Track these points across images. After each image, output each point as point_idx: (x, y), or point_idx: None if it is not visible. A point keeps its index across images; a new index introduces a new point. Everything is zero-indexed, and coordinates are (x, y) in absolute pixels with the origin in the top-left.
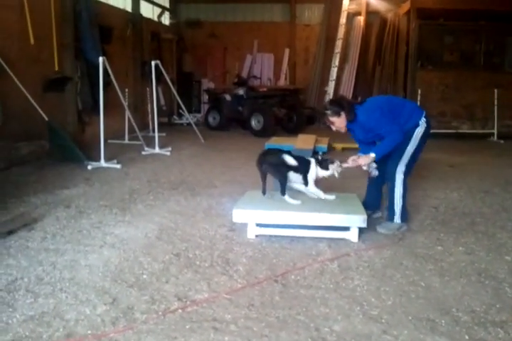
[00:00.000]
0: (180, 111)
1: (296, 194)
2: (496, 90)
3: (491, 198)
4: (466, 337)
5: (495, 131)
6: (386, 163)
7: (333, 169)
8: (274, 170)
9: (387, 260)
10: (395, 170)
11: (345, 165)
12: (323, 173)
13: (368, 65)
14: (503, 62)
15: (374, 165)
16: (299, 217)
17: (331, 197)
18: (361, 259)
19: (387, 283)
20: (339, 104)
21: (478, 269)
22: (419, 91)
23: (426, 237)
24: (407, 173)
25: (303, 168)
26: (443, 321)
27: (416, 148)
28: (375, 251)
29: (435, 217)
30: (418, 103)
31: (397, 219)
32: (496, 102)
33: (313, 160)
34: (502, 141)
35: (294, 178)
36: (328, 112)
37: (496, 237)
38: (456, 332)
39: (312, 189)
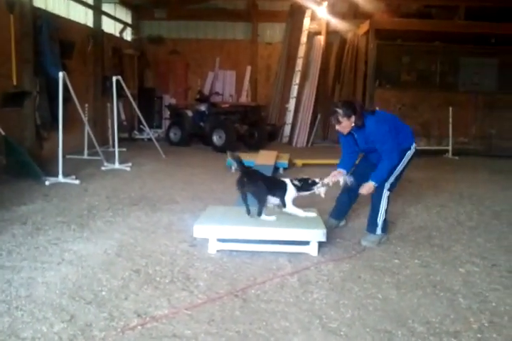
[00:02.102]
0: (141, 126)
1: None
2: (450, 108)
3: (446, 212)
4: None
5: (450, 147)
6: (368, 178)
7: (317, 188)
8: (255, 191)
9: (346, 273)
10: (383, 186)
11: (326, 181)
12: (302, 194)
13: (327, 83)
14: (457, 81)
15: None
16: (260, 232)
17: (312, 214)
18: (321, 273)
19: (346, 296)
20: (353, 107)
21: (434, 281)
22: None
23: (383, 251)
24: (392, 189)
25: (280, 192)
26: (399, 332)
27: (403, 168)
28: (334, 264)
29: (392, 231)
30: None
31: (379, 230)
32: (450, 120)
33: (289, 182)
34: (457, 157)
35: (273, 200)
36: (340, 112)
37: (450, 250)
38: None
39: (290, 209)
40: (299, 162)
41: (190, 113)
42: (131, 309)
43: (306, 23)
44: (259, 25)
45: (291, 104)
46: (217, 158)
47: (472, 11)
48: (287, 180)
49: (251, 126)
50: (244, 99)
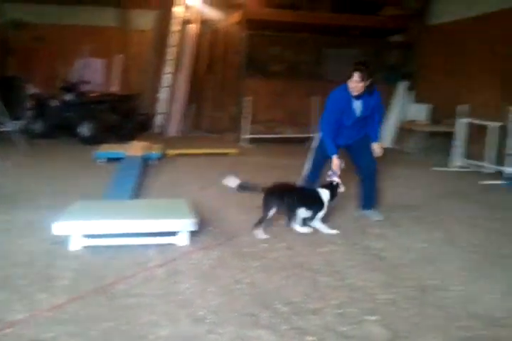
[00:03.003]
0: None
1: None
2: (315, 98)
3: None
4: (285, 327)
5: (314, 135)
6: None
7: (340, 188)
8: (287, 207)
9: (215, 261)
10: (376, 164)
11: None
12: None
13: (200, 73)
14: (322, 71)
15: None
16: (126, 224)
17: (334, 231)
18: (189, 262)
19: (214, 284)
20: (370, 74)
21: (297, 262)
22: (249, 99)
23: (252, 236)
24: None
25: (316, 207)
26: (265, 314)
27: None
28: (204, 252)
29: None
30: (248, 111)
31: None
32: (315, 109)
33: (325, 198)
34: None
35: (303, 214)
36: (363, 70)
37: (314, 232)
38: (277, 324)
39: (318, 225)
40: (171, 152)
41: (55, 103)
42: None
43: (179, 11)
44: (131, 11)
45: (163, 94)
46: (85, 150)
47: (338, 3)
48: (323, 196)
49: (122, 116)
50: (114, 88)
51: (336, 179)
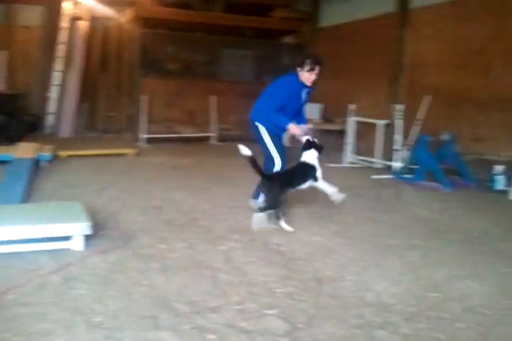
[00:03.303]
0: None
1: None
2: (213, 97)
3: (211, 195)
4: (186, 327)
5: (214, 134)
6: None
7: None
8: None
9: (112, 264)
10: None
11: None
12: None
13: (92, 71)
14: (219, 71)
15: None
16: (17, 230)
17: (341, 195)
18: (86, 267)
19: (112, 288)
20: None
21: (198, 261)
22: (144, 98)
23: (151, 237)
24: None
25: (313, 174)
26: (165, 316)
27: None
28: (100, 256)
29: (159, 217)
30: (145, 110)
31: None
32: (213, 108)
33: (315, 161)
34: (221, 143)
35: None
36: (322, 64)
37: (214, 230)
38: (177, 324)
39: (322, 184)
40: (64, 153)
41: None
42: None
43: (67, 6)
44: (16, 6)
45: (54, 92)
46: None
47: (232, 4)
48: (310, 158)
49: (7, 117)
50: None
51: (306, 137)
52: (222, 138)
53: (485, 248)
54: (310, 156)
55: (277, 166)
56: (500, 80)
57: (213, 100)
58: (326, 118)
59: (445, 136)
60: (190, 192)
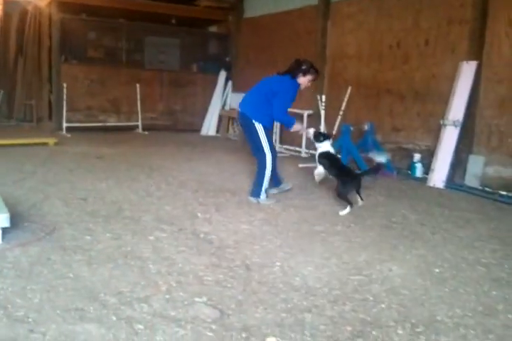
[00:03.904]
0: None
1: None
2: (138, 85)
3: (137, 185)
4: (114, 318)
5: (139, 123)
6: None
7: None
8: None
9: (35, 257)
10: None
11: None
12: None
13: (9, 56)
14: (144, 59)
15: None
16: None
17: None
18: (5, 261)
19: (35, 281)
20: None
21: (125, 252)
22: (65, 85)
23: (75, 229)
24: None
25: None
26: (91, 308)
27: None
28: (21, 249)
29: (84, 209)
30: (65, 98)
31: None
32: (138, 97)
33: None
34: (146, 132)
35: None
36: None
37: (141, 220)
38: (104, 315)
39: None
40: None
41: None
42: None
43: None
44: None
45: None
46: None
47: None
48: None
49: None
50: None
51: (311, 130)
52: (148, 128)
53: (404, 232)
54: (328, 147)
55: (268, 159)
56: (416, 73)
57: (138, 89)
58: None
59: (366, 126)
60: (115, 183)
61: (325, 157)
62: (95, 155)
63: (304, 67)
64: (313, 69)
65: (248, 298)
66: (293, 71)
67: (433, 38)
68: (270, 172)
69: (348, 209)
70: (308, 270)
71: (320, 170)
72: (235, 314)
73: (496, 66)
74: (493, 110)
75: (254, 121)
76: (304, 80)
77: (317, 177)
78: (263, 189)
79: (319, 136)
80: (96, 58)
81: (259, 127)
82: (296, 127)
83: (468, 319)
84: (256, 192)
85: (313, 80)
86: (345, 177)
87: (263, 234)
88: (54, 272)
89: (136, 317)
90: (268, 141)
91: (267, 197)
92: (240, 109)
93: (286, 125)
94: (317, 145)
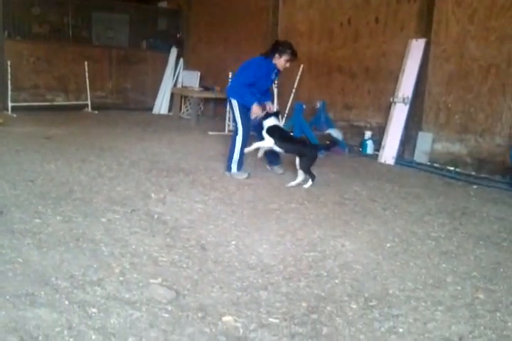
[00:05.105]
0: None
1: None
2: (86, 63)
3: (87, 166)
4: (66, 302)
5: (89, 102)
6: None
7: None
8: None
9: None
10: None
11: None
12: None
13: None
14: (91, 36)
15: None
16: None
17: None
18: None
19: None
20: None
21: (77, 235)
22: (9, 63)
23: (23, 212)
24: None
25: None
26: (42, 292)
27: None
28: None
29: (32, 191)
30: (9, 76)
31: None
32: (87, 74)
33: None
34: (96, 112)
35: None
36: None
37: (92, 202)
38: (56, 300)
39: None
40: None
41: None
42: None
43: None
44: None
45: None
46: None
47: None
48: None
49: None
50: None
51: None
52: (97, 107)
53: (356, 208)
54: (274, 120)
55: (240, 136)
56: (366, 50)
57: (86, 66)
58: (205, 86)
59: (317, 104)
60: (65, 164)
61: (276, 130)
62: (43, 136)
63: (280, 48)
64: (289, 49)
65: (204, 277)
66: (269, 51)
67: (383, 16)
68: (241, 148)
69: (311, 182)
70: (263, 248)
71: (268, 142)
72: (190, 294)
73: (443, 44)
74: (441, 87)
75: (230, 98)
76: (280, 61)
77: (256, 147)
78: (234, 163)
79: (266, 115)
80: (41, 34)
81: (235, 104)
82: (254, 109)
83: (419, 291)
84: (228, 166)
85: (290, 61)
86: (304, 148)
87: (218, 213)
88: (2, 256)
89: (90, 301)
90: (242, 118)
91: (238, 171)
92: None
93: (246, 103)
94: (264, 122)
